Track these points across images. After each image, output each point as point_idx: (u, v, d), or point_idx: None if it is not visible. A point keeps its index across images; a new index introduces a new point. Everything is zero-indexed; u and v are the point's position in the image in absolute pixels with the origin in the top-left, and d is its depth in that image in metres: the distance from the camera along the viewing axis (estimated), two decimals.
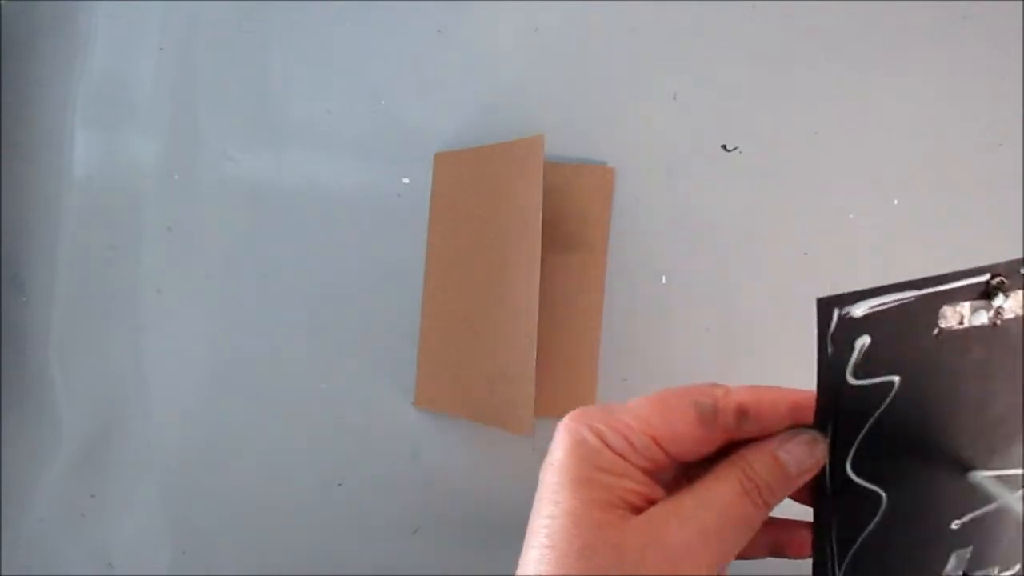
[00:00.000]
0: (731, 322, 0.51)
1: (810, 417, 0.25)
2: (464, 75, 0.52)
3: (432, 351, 0.51)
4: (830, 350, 0.23)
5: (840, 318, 0.23)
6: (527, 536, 0.26)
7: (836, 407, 0.25)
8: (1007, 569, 0.28)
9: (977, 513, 0.26)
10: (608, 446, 0.25)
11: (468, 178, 0.51)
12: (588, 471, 0.25)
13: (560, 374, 0.50)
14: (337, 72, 0.52)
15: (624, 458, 0.25)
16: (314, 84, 0.52)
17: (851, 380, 0.24)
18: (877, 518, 0.26)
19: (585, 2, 0.51)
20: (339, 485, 0.52)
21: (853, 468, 0.25)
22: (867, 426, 0.25)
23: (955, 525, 0.26)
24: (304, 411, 0.52)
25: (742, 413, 0.25)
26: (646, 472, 0.26)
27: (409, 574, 0.52)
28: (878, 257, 0.51)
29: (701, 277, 0.51)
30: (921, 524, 0.26)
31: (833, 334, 0.23)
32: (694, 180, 0.51)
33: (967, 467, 0.26)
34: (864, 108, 0.51)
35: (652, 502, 0.25)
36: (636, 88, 0.51)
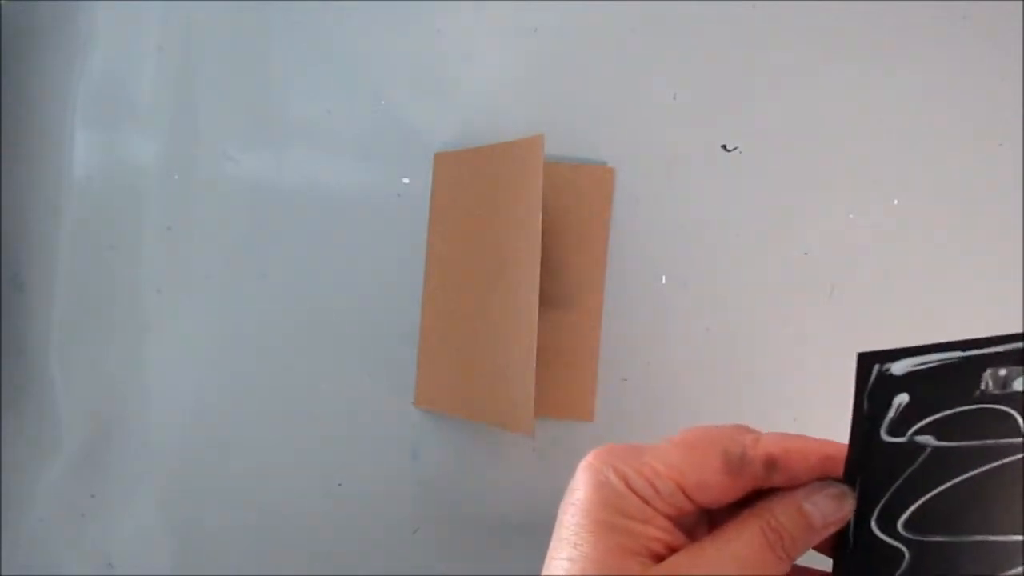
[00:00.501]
0: (731, 322, 0.51)
1: (839, 470, 0.25)
2: (464, 75, 0.52)
3: (432, 351, 0.51)
4: (866, 406, 0.23)
5: (880, 374, 0.23)
6: (544, 573, 0.25)
7: (867, 462, 0.24)
8: None
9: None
10: (633, 491, 0.25)
11: (468, 178, 0.51)
12: (611, 516, 0.25)
13: (560, 374, 0.50)
14: (337, 72, 0.52)
15: (648, 504, 0.25)
16: (314, 84, 0.52)
17: (885, 437, 0.24)
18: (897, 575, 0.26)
19: (585, 2, 0.51)
20: (339, 485, 0.52)
21: (878, 524, 0.25)
22: (897, 484, 0.25)
23: None
24: (304, 411, 0.52)
25: (771, 464, 0.25)
26: (669, 518, 0.25)
27: (409, 574, 0.52)
28: (878, 257, 0.51)
29: (701, 277, 0.51)
30: None
31: (871, 390, 0.23)
32: (694, 180, 0.51)
33: (995, 532, 0.25)
34: (864, 108, 0.51)
35: (673, 549, 0.25)
36: (636, 88, 0.51)
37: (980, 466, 0.24)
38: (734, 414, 0.50)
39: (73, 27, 0.53)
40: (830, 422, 0.51)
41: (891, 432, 0.24)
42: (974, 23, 0.50)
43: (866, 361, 0.23)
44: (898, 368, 0.23)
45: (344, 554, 0.52)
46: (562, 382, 0.50)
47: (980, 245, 0.51)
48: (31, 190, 0.53)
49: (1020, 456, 0.24)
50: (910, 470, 0.25)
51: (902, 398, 0.23)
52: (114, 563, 0.53)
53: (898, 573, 0.26)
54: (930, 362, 0.23)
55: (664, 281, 0.51)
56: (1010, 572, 0.26)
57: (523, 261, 0.47)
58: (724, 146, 0.51)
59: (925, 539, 0.26)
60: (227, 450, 0.53)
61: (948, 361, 0.23)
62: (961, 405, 0.24)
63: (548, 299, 0.49)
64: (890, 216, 0.51)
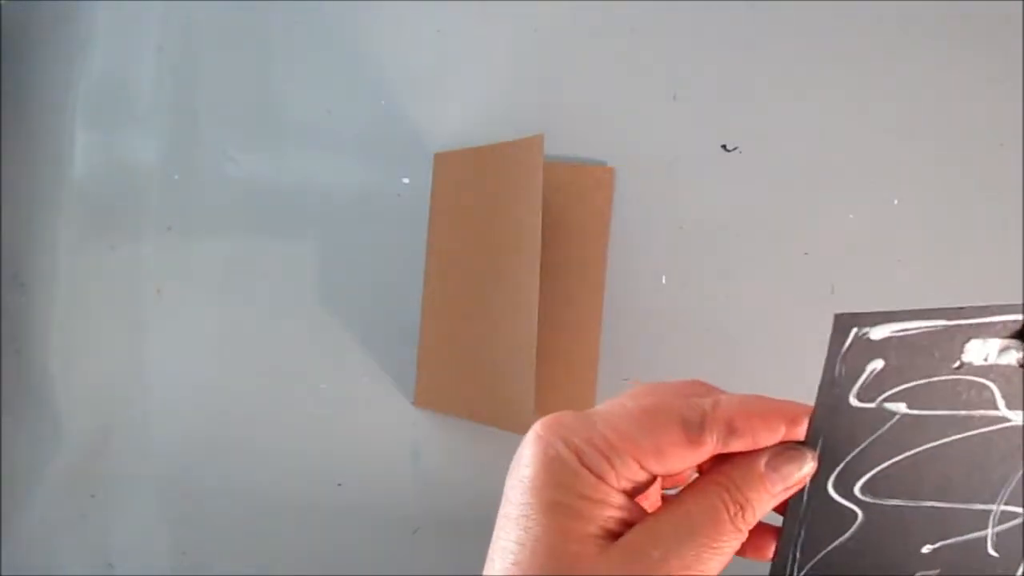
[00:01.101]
0: (731, 322, 0.51)
1: (801, 433, 0.24)
2: (464, 75, 0.52)
3: (432, 351, 0.51)
4: (838, 368, 0.22)
5: (856, 338, 0.22)
6: (491, 552, 0.24)
7: (831, 426, 0.24)
8: None
9: (951, 541, 0.26)
10: (587, 467, 0.23)
11: (468, 178, 0.51)
12: (563, 496, 0.23)
13: (560, 374, 0.50)
14: (337, 72, 0.52)
15: (603, 480, 0.23)
16: (314, 84, 0.52)
17: (853, 402, 0.23)
18: (848, 534, 0.26)
19: (585, 2, 0.51)
20: (339, 485, 0.52)
21: (834, 486, 0.25)
22: (859, 448, 0.24)
23: (926, 549, 0.26)
24: (304, 411, 0.52)
25: (731, 430, 0.24)
26: (625, 493, 0.24)
27: (409, 574, 0.52)
28: (878, 257, 0.51)
29: (701, 277, 0.51)
30: (892, 545, 0.26)
31: (845, 353, 0.22)
32: (694, 180, 0.51)
33: (953, 500, 0.25)
34: (864, 108, 0.51)
35: (628, 524, 0.24)
36: (636, 88, 0.51)
37: (947, 436, 0.24)
38: None
39: (73, 27, 0.53)
40: None
41: (860, 397, 0.23)
42: (974, 23, 0.50)
43: (843, 323, 0.22)
44: (877, 333, 0.22)
45: (344, 554, 0.52)
46: (562, 382, 0.50)
47: (980, 245, 0.51)
48: (31, 190, 0.53)
49: (993, 428, 0.24)
50: (875, 436, 0.24)
51: (877, 363, 0.22)
52: (114, 563, 0.53)
53: (849, 533, 0.25)
54: (911, 329, 0.22)
55: (664, 281, 0.51)
56: (964, 537, 0.26)
57: (523, 261, 0.47)
58: (724, 146, 0.51)
59: (881, 502, 0.25)
60: (227, 450, 0.53)
61: (930, 329, 0.22)
62: (938, 375, 0.23)
63: (548, 299, 0.49)
64: (890, 216, 0.51)
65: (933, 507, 0.25)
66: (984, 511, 0.25)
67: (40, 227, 0.53)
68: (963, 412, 0.24)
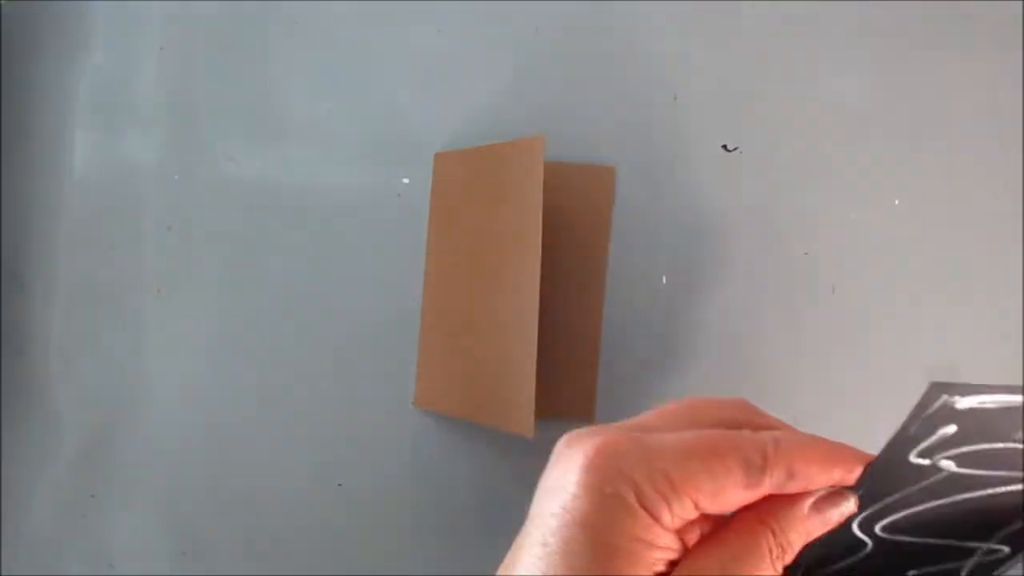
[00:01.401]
0: (731, 322, 0.51)
1: (852, 479, 0.24)
2: (464, 75, 0.52)
3: (432, 351, 0.51)
4: (913, 430, 0.23)
5: (943, 405, 0.22)
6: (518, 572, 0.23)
7: (882, 476, 0.24)
8: None
9: (932, 568, 0.26)
10: (645, 508, 0.22)
11: (468, 178, 0.51)
12: (618, 538, 0.22)
13: (560, 374, 0.50)
14: (337, 72, 0.52)
15: (658, 521, 0.23)
16: (314, 84, 0.52)
17: (912, 458, 0.23)
18: (852, 560, 0.26)
19: (585, 2, 0.51)
20: (339, 485, 0.52)
21: (859, 524, 0.25)
22: (896, 495, 0.24)
23: (911, 573, 0.27)
24: (304, 411, 0.52)
25: (790, 475, 0.23)
26: (675, 532, 0.23)
27: (409, 574, 0.52)
28: (878, 257, 0.51)
29: (701, 277, 0.51)
30: (883, 567, 0.27)
31: (928, 417, 0.22)
32: (694, 180, 0.51)
33: (957, 539, 0.26)
34: (864, 108, 0.51)
35: (673, 563, 0.23)
36: (636, 88, 0.51)
37: (979, 491, 0.24)
38: None
39: (73, 27, 0.53)
40: (830, 422, 0.51)
41: (920, 455, 0.23)
42: (974, 23, 0.50)
43: (936, 391, 0.22)
44: (963, 403, 0.22)
45: (344, 554, 0.52)
46: (562, 382, 0.50)
47: (980, 245, 0.51)
48: (31, 190, 0.53)
49: (1018, 487, 0.24)
50: (916, 487, 0.24)
51: (950, 428, 0.23)
52: (114, 563, 0.53)
53: (854, 558, 0.26)
54: (995, 402, 0.22)
55: (664, 281, 0.51)
56: (944, 566, 0.26)
57: (523, 261, 0.47)
58: (724, 146, 0.51)
59: (892, 538, 0.26)
60: (227, 450, 0.53)
61: (1009, 404, 0.22)
62: (998, 442, 0.23)
63: (548, 299, 0.49)
64: (890, 216, 0.51)
65: (934, 542, 0.26)
66: (974, 547, 0.26)
67: (40, 227, 0.53)
68: (1003, 473, 0.24)
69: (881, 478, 0.24)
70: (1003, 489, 0.24)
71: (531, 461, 0.52)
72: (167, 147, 0.53)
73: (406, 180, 0.52)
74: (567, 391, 0.50)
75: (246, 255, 0.52)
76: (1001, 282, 0.50)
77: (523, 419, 0.46)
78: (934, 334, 0.50)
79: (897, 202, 0.51)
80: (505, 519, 0.55)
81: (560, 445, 0.25)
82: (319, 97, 0.52)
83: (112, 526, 0.53)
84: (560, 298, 0.50)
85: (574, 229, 0.51)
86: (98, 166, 0.53)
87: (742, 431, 0.24)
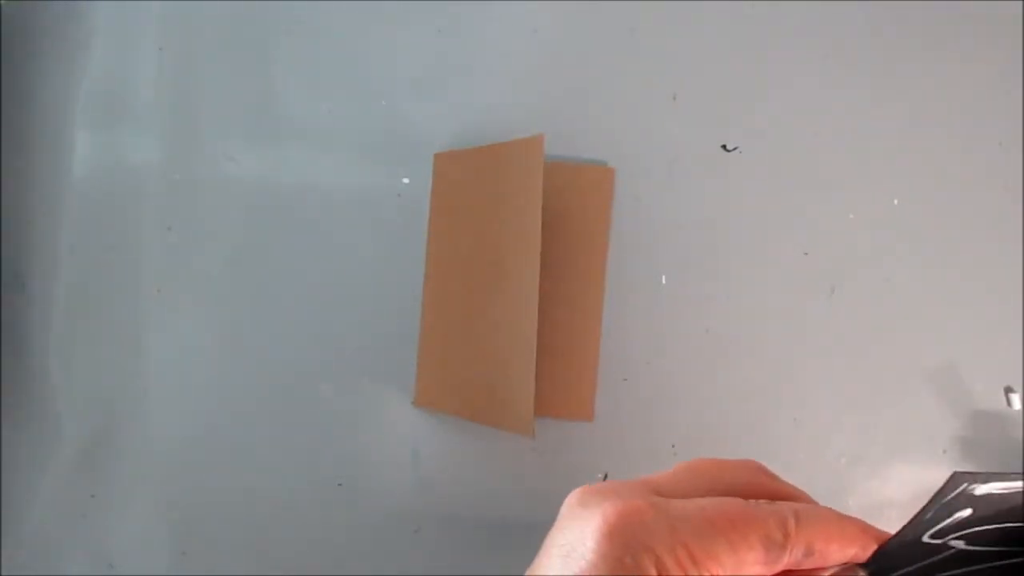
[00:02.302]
0: (731, 322, 0.51)
1: (865, 555, 0.25)
2: (464, 75, 0.52)
3: (432, 351, 0.51)
4: (930, 514, 0.23)
5: (962, 492, 0.23)
6: None
7: (894, 553, 0.24)
8: None
9: None
10: None
11: (468, 178, 0.51)
12: None
13: (560, 374, 0.50)
14: (337, 72, 0.52)
15: None
16: (314, 84, 0.52)
17: (926, 539, 0.24)
18: None
19: (585, 2, 0.51)
20: (339, 485, 0.52)
21: None
22: (905, 570, 0.25)
23: None
24: (304, 411, 0.52)
25: (808, 552, 0.24)
26: None
27: (409, 574, 0.52)
28: (878, 257, 0.51)
29: (701, 277, 0.51)
30: None
31: (946, 503, 0.23)
32: (694, 180, 0.51)
33: None
34: (864, 108, 0.51)
35: None
36: (636, 88, 0.51)
37: (985, 563, 0.25)
38: (734, 415, 0.50)
39: (73, 27, 0.53)
40: (830, 422, 0.51)
41: (934, 536, 0.24)
42: (974, 23, 0.50)
43: (958, 480, 0.22)
44: (981, 489, 0.22)
45: (344, 554, 0.52)
46: (562, 382, 0.50)
47: (980, 245, 0.51)
48: (31, 190, 0.53)
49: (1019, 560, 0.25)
50: (925, 563, 0.25)
51: (965, 512, 0.23)
52: (114, 563, 0.53)
53: None
54: (1011, 488, 0.23)
55: (664, 281, 0.51)
56: None
57: (523, 261, 0.47)
58: (724, 146, 0.51)
59: None
60: (227, 450, 0.53)
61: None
62: (1008, 522, 0.24)
63: (548, 299, 0.49)
64: (890, 216, 0.51)
65: None
66: None
67: (40, 227, 0.53)
68: (1008, 548, 0.24)
69: (893, 555, 0.25)
70: (1008, 561, 0.25)
71: (531, 461, 0.52)
72: (167, 147, 0.53)
73: (406, 180, 0.52)
74: (567, 391, 0.50)
75: (246, 255, 0.52)
76: (1001, 282, 0.51)
77: (523, 419, 0.46)
78: (934, 334, 0.50)
79: (896, 202, 0.51)
80: (505, 519, 0.56)
81: (572, 502, 0.25)
82: (319, 97, 0.52)
83: (112, 526, 0.53)
84: (560, 298, 0.50)
85: (574, 229, 0.51)
86: (98, 166, 0.53)
87: (760, 503, 0.24)
